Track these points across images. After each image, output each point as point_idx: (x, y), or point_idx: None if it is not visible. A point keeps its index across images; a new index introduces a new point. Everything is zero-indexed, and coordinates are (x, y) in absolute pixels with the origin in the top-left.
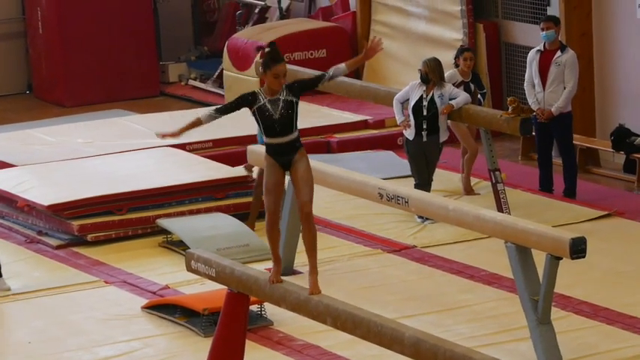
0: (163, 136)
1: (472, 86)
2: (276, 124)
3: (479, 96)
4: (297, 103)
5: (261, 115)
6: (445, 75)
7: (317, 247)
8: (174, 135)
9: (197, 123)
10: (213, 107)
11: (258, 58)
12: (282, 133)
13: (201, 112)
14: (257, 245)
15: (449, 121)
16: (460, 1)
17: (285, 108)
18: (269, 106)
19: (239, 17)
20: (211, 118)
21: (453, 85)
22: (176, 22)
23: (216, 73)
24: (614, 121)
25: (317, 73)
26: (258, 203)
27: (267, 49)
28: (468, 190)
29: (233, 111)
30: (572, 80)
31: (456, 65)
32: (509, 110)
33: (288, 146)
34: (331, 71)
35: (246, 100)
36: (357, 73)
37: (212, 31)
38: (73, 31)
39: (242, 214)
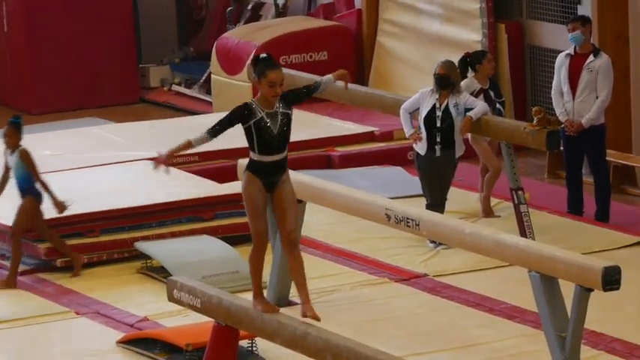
0: (156, 165)
1: (492, 94)
2: (275, 140)
3: (497, 105)
4: (296, 97)
5: (258, 131)
6: (461, 84)
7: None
8: (166, 161)
9: (188, 146)
10: (206, 130)
11: (249, 62)
12: (279, 150)
13: (193, 135)
14: (248, 272)
15: (468, 135)
16: None
17: (284, 122)
18: (268, 120)
19: (229, 15)
20: (203, 141)
21: (471, 94)
22: (158, 20)
23: (203, 78)
24: None
25: (315, 77)
26: None
27: (261, 55)
28: (488, 212)
29: (227, 129)
30: (606, 88)
31: (466, 74)
32: (535, 122)
33: (279, 165)
34: (323, 79)
35: (241, 116)
36: (361, 79)
37: (199, 30)
38: (42, 29)
39: (232, 237)
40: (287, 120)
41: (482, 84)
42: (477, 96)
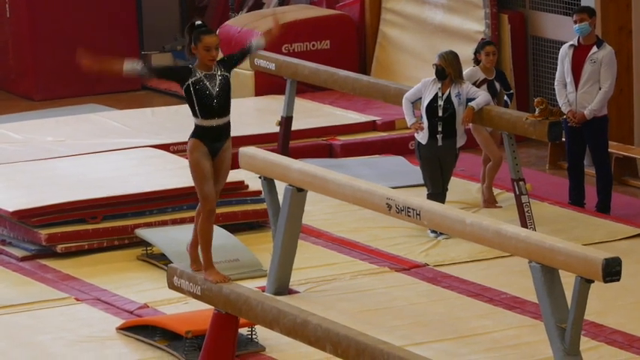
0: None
1: (497, 85)
2: (215, 101)
3: (505, 97)
4: (235, 60)
5: (197, 91)
6: (464, 73)
7: None
8: (88, 63)
9: (116, 69)
10: (143, 65)
11: (186, 29)
12: (221, 113)
13: (127, 62)
14: (248, 260)
15: (470, 125)
16: None
17: (223, 83)
18: (206, 81)
19: (232, 2)
20: (135, 72)
21: (474, 83)
22: (160, 7)
23: None
24: None
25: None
26: None
27: (196, 22)
28: (490, 202)
29: (163, 77)
30: (609, 80)
31: (477, 61)
32: (537, 112)
33: (224, 130)
34: (253, 41)
35: (180, 72)
36: (364, 68)
37: (201, 17)
38: (44, 15)
39: (232, 225)
40: (226, 82)
41: (487, 74)
42: (479, 86)
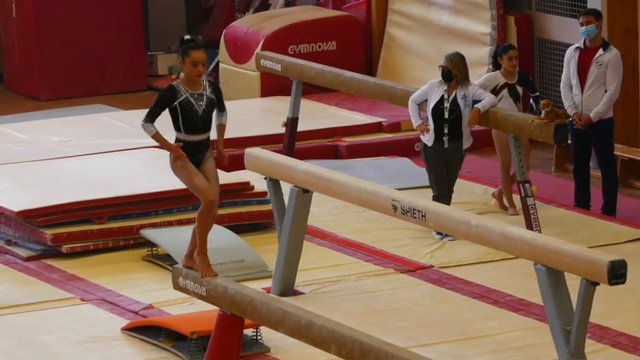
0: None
1: (519, 89)
2: (200, 121)
3: (530, 101)
4: (217, 101)
5: (183, 111)
6: (483, 78)
7: None
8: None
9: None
10: (143, 120)
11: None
12: (204, 130)
13: (142, 127)
14: (253, 261)
15: (492, 131)
16: None
17: (209, 105)
18: (192, 101)
19: (238, 3)
20: (149, 129)
21: (495, 88)
22: (167, 8)
23: (212, 66)
24: None
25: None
26: None
27: (185, 37)
28: (511, 205)
29: (160, 114)
30: (615, 82)
31: (495, 66)
32: (542, 115)
33: (204, 143)
34: (224, 119)
35: (167, 100)
36: (370, 69)
37: (207, 18)
38: (51, 15)
39: (237, 226)
40: (212, 103)
41: (508, 79)
42: (499, 90)
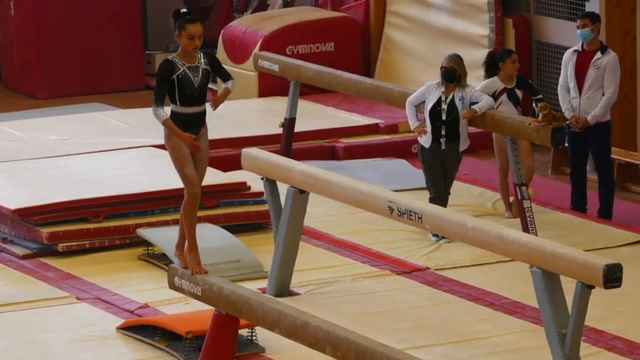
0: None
1: (518, 93)
2: (196, 92)
3: (533, 104)
4: (216, 69)
5: (180, 84)
6: (482, 85)
7: None
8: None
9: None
10: (153, 105)
11: (170, 15)
12: (200, 102)
13: (153, 113)
14: (249, 262)
15: (493, 135)
16: None
17: (204, 76)
18: (189, 73)
19: (237, 3)
20: (160, 115)
21: (494, 93)
22: (165, 7)
23: None
24: None
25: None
26: None
27: (181, 10)
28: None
29: (165, 92)
30: (613, 86)
31: (489, 74)
32: (540, 117)
33: (200, 117)
34: (231, 83)
35: (166, 75)
36: (368, 70)
37: (206, 18)
38: (49, 13)
39: (234, 226)
40: (207, 75)
41: (507, 83)
42: (499, 95)
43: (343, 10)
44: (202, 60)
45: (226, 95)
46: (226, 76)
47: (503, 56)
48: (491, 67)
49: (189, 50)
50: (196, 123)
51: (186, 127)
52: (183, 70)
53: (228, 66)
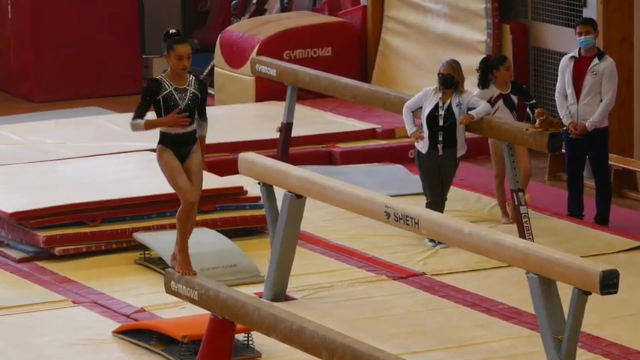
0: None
1: (514, 98)
2: (181, 113)
3: (527, 110)
4: (201, 100)
5: (166, 104)
6: (476, 93)
7: None
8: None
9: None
10: (131, 117)
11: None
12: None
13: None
14: (246, 266)
15: (490, 141)
16: None
17: (192, 100)
18: (175, 95)
19: (234, 8)
20: (137, 126)
21: (490, 99)
22: (163, 11)
23: (207, 70)
24: None
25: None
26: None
27: (170, 30)
28: (501, 215)
29: (147, 109)
30: (610, 92)
31: (484, 83)
32: (537, 123)
33: (188, 136)
34: (204, 126)
35: (151, 93)
36: (365, 75)
37: (203, 22)
38: (47, 17)
39: (230, 231)
40: (195, 99)
41: (502, 89)
42: (495, 102)
43: (341, 15)
44: (193, 83)
45: (204, 145)
46: (203, 114)
47: (497, 63)
48: (486, 73)
49: (178, 71)
50: (185, 142)
51: (175, 146)
52: (170, 91)
53: (226, 70)
